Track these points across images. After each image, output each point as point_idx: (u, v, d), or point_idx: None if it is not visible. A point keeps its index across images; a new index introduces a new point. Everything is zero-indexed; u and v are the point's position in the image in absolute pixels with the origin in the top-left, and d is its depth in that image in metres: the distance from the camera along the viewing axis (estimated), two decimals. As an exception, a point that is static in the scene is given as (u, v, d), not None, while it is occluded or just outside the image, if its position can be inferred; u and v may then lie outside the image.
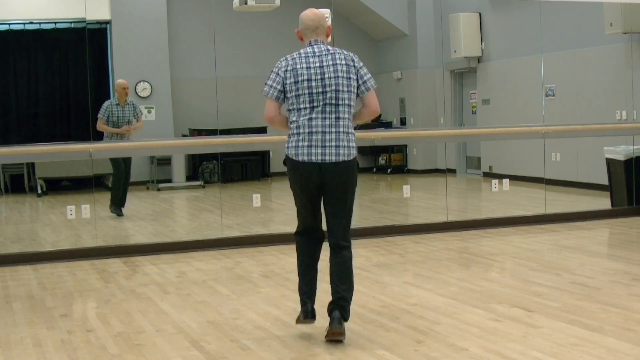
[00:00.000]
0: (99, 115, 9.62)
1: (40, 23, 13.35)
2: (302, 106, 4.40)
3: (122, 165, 9.72)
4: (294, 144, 4.41)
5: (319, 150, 4.36)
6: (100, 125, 9.58)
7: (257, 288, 5.86)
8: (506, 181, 9.71)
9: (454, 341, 4.29)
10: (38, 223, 10.43)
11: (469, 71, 13.80)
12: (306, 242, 4.58)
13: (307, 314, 4.45)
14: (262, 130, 12.15)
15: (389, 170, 15.06)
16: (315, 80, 4.39)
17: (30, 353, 4.36)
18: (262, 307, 5.25)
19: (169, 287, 6.02)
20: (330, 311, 4.42)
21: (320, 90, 4.38)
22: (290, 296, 5.51)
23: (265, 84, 4.47)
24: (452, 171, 13.38)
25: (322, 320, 4.49)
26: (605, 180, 9.56)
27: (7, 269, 6.87)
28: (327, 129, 4.38)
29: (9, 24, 13.29)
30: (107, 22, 13.38)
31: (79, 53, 12.88)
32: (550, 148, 10.56)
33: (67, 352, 4.35)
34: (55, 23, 13.37)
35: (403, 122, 15.12)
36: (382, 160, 15.21)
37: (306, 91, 4.39)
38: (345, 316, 4.38)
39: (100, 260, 7.19)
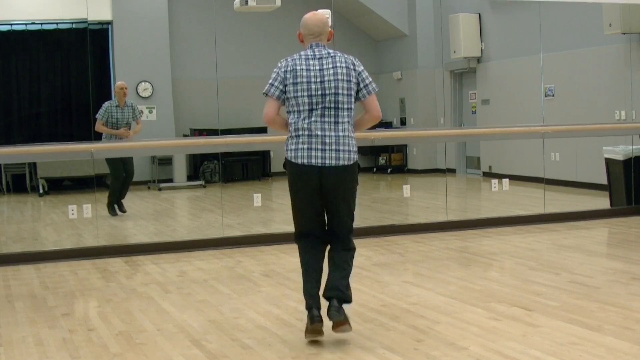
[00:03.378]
0: (98, 116, 9.57)
1: (42, 23, 13.36)
2: (301, 108, 4.35)
3: (120, 168, 9.67)
4: (293, 147, 4.36)
5: (319, 154, 4.31)
6: (99, 126, 9.51)
7: (257, 287, 5.89)
8: (506, 181, 9.73)
9: (454, 340, 4.32)
10: (40, 222, 10.45)
11: (469, 71, 13.82)
12: (307, 245, 4.48)
13: (314, 318, 4.28)
14: (262, 130, 12.15)
15: (389, 170, 15.08)
16: (315, 82, 4.34)
17: (32, 352, 4.39)
18: (263, 306, 5.28)
19: (170, 286, 6.05)
20: (327, 298, 4.36)
21: (319, 93, 4.33)
22: (291, 295, 5.54)
23: (268, 83, 4.42)
24: (451, 171, 13.40)
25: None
26: (604, 180, 9.58)
27: (9, 268, 6.90)
28: (327, 132, 4.32)
29: (11, 24, 13.31)
30: (109, 23, 13.40)
31: (81, 53, 12.90)
32: (550, 148, 10.59)
33: (69, 351, 4.37)
34: (57, 23, 13.39)
35: (403, 122, 15.14)
36: (382, 160, 15.24)
37: (305, 93, 4.33)
38: (343, 301, 4.33)
39: (102, 259, 7.22)
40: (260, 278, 6.22)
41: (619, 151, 9.17)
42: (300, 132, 4.34)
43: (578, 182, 11.05)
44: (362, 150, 14.89)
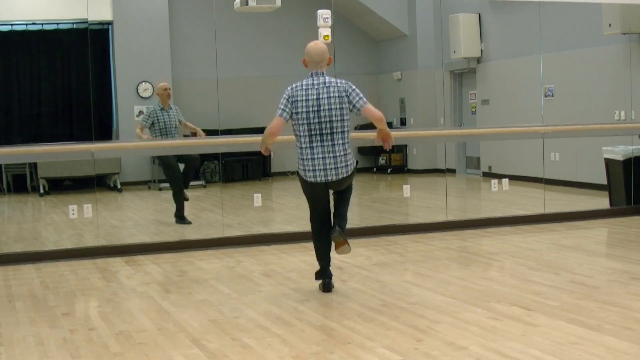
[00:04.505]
0: (142, 122, 9.08)
1: (42, 24, 13.37)
2: (302, 134, 5.33)
3: (179, 175, 9.15)
4: (302, 167, 5.42)
5: (322, 173, 5.34)
6: (138, 131, 9.02)
7: (258, 287, 5.90)
8: (505, 181, 9.74)
9: (454, 340, 4.33)
10: (40, 222, 10.46)
11: (469, 71, 13.83)
12: (318, 226, 5.62)
13: (325, 273, 5.55)
14: (263, 130, 12.13)
15: (389, 170, 15.10)
16: (313, 112, 5.28)
17: (33, 352, 4.40)
18: (263, 305, 5.29)
19: (170, 286, 6.06)
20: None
21: (316, 121, 5.28)
22: (291, 295, 5.56)
23: (279, 107, 5.36)
24: (451, 171, 13.41)
25: (322, 320, 4.50)
26: (604, 180, 9.59)
27: (9, 268, 6.91)
28: (326, 155, 5.32)
29: (12, 24, 13.32)
30: (109, 23, 13.41)
31: (81, 53, 12.92)
32: (549, 148, 10.60)
33: (69, 351, 4.38)
34: (57, 24, 13.40)
35: (403, 122, 15.15)
36: (382, 160, 15.25)
37: (305, 121, 5.30)
38: (342, 227, 5.40)
39: (102, 259, 7.23)
40: (260, 278, 6.23)
41: (619, 151, 9.18)
42: (305, 157, 5.37)
43: (578, 182, 11.06)
44: (362, 150, 15.09)
